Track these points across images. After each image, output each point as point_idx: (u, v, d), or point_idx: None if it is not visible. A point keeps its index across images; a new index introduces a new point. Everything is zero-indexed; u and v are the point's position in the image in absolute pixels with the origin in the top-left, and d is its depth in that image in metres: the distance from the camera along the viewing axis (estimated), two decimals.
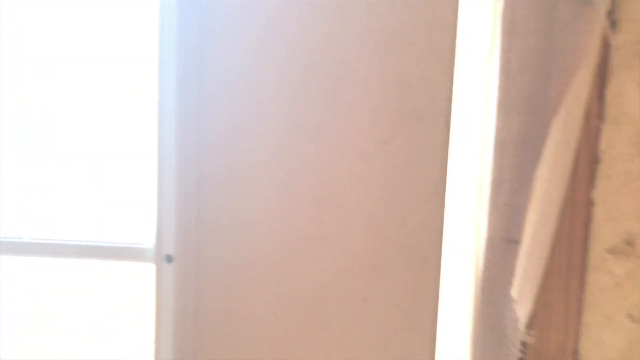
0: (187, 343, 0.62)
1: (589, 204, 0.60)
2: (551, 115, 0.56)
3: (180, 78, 0.49)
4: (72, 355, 1.06)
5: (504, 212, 0.59)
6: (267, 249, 0.56)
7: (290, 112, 0.49)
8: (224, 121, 0.55)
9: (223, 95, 0.53)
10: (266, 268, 0.57)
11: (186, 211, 0.56)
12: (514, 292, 0.59)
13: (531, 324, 0.60)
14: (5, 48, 0.94)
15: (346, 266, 0.55)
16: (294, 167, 0.52)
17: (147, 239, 0.58)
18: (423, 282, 0.56)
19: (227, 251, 0.58)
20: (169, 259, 0.57)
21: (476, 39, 0.64)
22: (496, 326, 0.61)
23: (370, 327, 0.60)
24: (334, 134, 0.48)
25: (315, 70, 0.49)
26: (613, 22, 0.58)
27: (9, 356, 0.98)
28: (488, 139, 0.57)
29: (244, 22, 0.50)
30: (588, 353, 0.61)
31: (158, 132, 0.51)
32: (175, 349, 0.63)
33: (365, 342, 0.61)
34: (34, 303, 1.11)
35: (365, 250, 0.57)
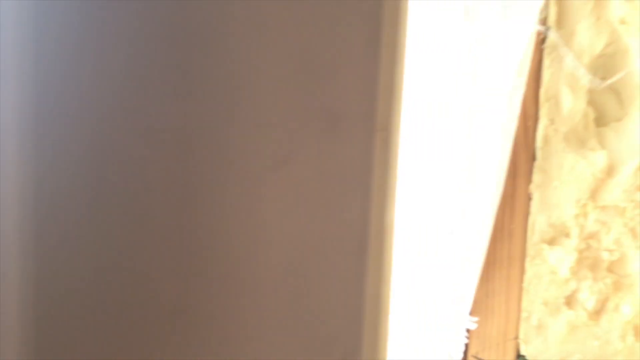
0: None
1: (528, 198, 0.65)
2: (487, 117, 0.61)
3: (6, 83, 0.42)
4: None
5: (447, 206, 0.64)
6: (108, 330, 0.33)
7: (140, 116, 0.32)
8: (60, 134, 0.38)
9: (58, 103, 0.37)
10: None
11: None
12: (456, 281, 0.63)
13: (474, 311, 0.64)
14: None
15: None
16: (146, 199, 0.32)
17: None
18: None
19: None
20: None
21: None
22: (443, 314, 0.65)
23: None
24: (202, 147, 0.29)
25: (173, 55, 0.32)
26: (547, 28, 0.63)
27: None
28: (423, 137, 0.61)
29: (80, 18, 0.41)
30: (528, 338, 0.65)
31: None
32: None
33: None
34: None
35: (250, 342, 0.32)
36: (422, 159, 0.65)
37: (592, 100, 0.67)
